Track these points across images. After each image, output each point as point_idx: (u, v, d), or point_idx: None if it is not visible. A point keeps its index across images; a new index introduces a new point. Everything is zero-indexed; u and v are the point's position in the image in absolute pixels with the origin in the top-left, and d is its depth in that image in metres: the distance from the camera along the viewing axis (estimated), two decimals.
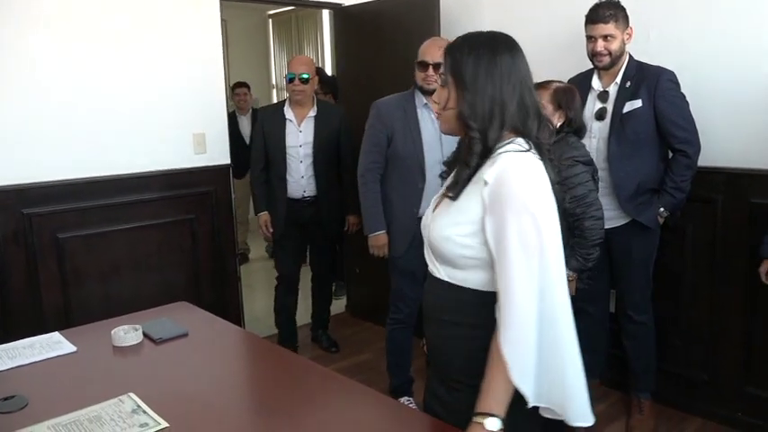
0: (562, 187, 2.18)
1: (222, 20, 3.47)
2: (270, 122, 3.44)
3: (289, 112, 3.42)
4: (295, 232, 3.52)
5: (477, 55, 1.38)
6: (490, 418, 1.26)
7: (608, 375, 3.09)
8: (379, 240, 2.85)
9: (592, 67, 2.71)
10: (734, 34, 2.61)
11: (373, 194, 2.83)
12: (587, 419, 1.31)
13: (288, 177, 3.41)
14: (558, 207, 1.38)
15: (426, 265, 1.49)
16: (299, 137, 3.40)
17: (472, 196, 1.35)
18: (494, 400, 1.28)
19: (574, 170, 2.26)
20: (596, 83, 2.71)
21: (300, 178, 3.41)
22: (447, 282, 1.43)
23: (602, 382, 3.11)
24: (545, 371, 1.29)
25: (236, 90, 5.46)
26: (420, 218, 2.71)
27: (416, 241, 2.55)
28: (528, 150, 1.36)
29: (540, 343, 1.27)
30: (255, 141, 3.52)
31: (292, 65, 3.41)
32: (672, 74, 2.59)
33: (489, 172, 1.32)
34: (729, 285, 2.72)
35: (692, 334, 2.86)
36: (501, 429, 1.26)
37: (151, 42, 3.16)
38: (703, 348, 2.83)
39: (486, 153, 1.37)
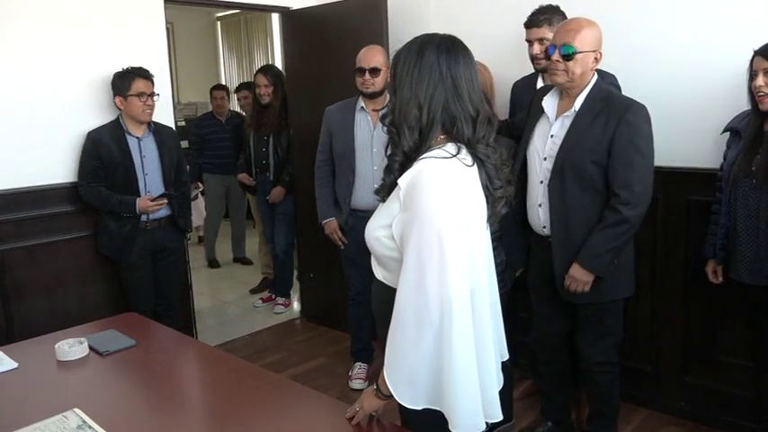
0: None
1: (168, 23, 3.40)
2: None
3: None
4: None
5: (406, 57, 1.37)
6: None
7: None
8: (328, 227, 3.13)
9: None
10: (673, 35, 2.71)
11: (321, 188, 3.14)
12: (476, 428, 1.33)
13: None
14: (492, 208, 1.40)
15: (364, 251, 1.51)
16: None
17: (394, 199, 1.35)
18: (382, 381, 1.37)
19: None
20: (541, 84, 2.77)
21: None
22: (382, 282, 1.46)
23: None
24: (430, 377, 1.32)
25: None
26: (353, 210, 3.01)
27: (352, 230, 3.01)
28: (453, 156, 1.33)
29: (425, 351, 1.30)
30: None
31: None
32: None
33: (404, 176, 1.32)
34: (669, 279, 2.82)
35: (636, 327, 2.94)
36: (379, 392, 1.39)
37: (93, 48, 3.07)
38: (646, 341, 2.92)
39: (410, 157, 1.35)
